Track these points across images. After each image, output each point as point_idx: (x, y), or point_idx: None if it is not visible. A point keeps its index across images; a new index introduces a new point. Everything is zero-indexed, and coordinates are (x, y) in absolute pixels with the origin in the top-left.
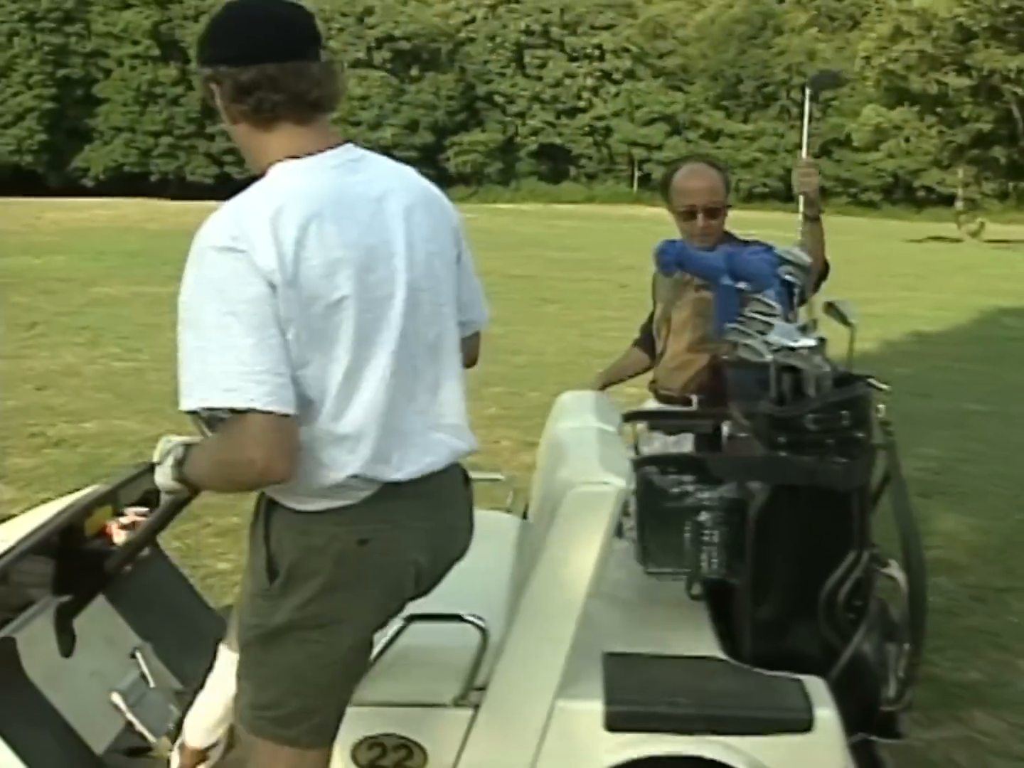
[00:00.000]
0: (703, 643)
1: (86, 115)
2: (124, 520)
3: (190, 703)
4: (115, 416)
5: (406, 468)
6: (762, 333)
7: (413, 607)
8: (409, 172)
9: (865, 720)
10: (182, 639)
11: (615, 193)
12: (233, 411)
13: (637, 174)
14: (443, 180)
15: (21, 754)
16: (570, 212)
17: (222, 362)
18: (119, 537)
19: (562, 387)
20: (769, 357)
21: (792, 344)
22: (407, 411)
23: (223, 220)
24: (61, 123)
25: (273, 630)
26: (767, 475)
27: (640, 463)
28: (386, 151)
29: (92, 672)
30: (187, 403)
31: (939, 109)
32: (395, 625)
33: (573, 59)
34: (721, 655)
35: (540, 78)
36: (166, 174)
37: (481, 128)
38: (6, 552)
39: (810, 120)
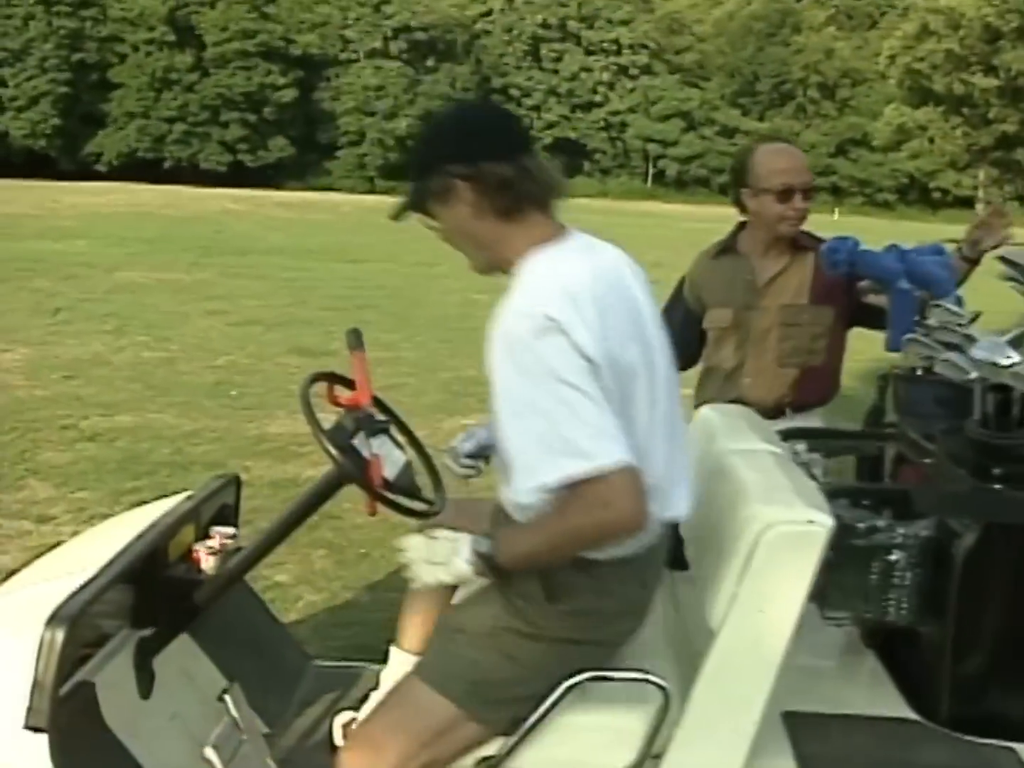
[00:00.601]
0: (887, 701)
1: (100, 100)
2: (211, 543)
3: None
4: (149, 408)
5: (684, 508)
6: (951, 346)
7: None
8: (610, 245)
9: None
10: (265, 674)
11: (629, 189)
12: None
13: (651, 170)
14: None
15: None
16: (585, 206)
17: (575, 433)
18: (207, 563)
19: None
20: (974, 374)
21: (1003, 361)
22: (676, 455)
23: (527, 310)
24: (75, 108)
25: (538, 636)
26: (981, 511)
27: (830, 494)
28: (401, 142)
29: (173, 715)
30: (540, 480)
31: (964, 110)
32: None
33: (589, 53)
34: (912, 715)
35: (556, 71)
36: (179, 160)
37: None
38: (88, 583)
39: None
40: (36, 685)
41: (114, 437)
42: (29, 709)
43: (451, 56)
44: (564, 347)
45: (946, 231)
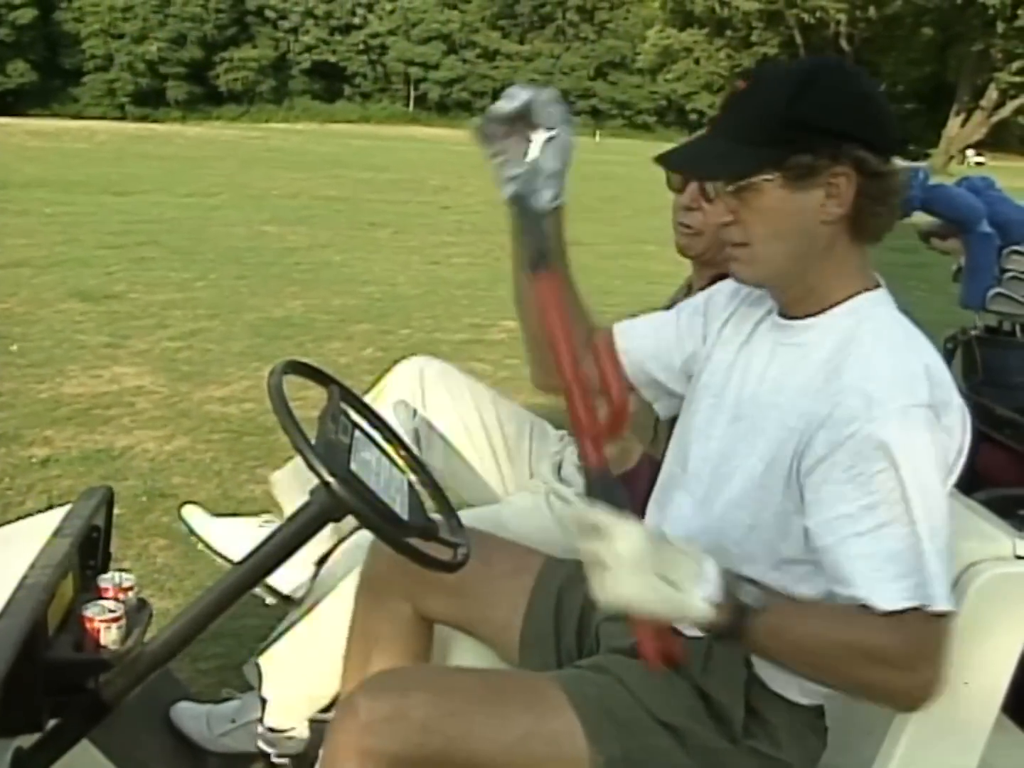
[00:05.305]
0: None
1: None
2: (108, 604)
3: None
4: None
5: None
6: None
7: None
8: None
9: None
10: (170, 751)
11: (391, 113)
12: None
13: (413, 94)
14: (213, 98)
15: None
16: (348, 131)
17: None
18: (109, 636)
19: (432, 322)
20: None
21: None
22: None
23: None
24: None
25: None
26: None
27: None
28: (151, 66)
29: None
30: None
31: (727, 32)
32: None
33: None
34: None
35: None
36: None
37: (252, 44)
38: None
39: None
40: None
41: None
42: None
43: None
44: None
45: None
